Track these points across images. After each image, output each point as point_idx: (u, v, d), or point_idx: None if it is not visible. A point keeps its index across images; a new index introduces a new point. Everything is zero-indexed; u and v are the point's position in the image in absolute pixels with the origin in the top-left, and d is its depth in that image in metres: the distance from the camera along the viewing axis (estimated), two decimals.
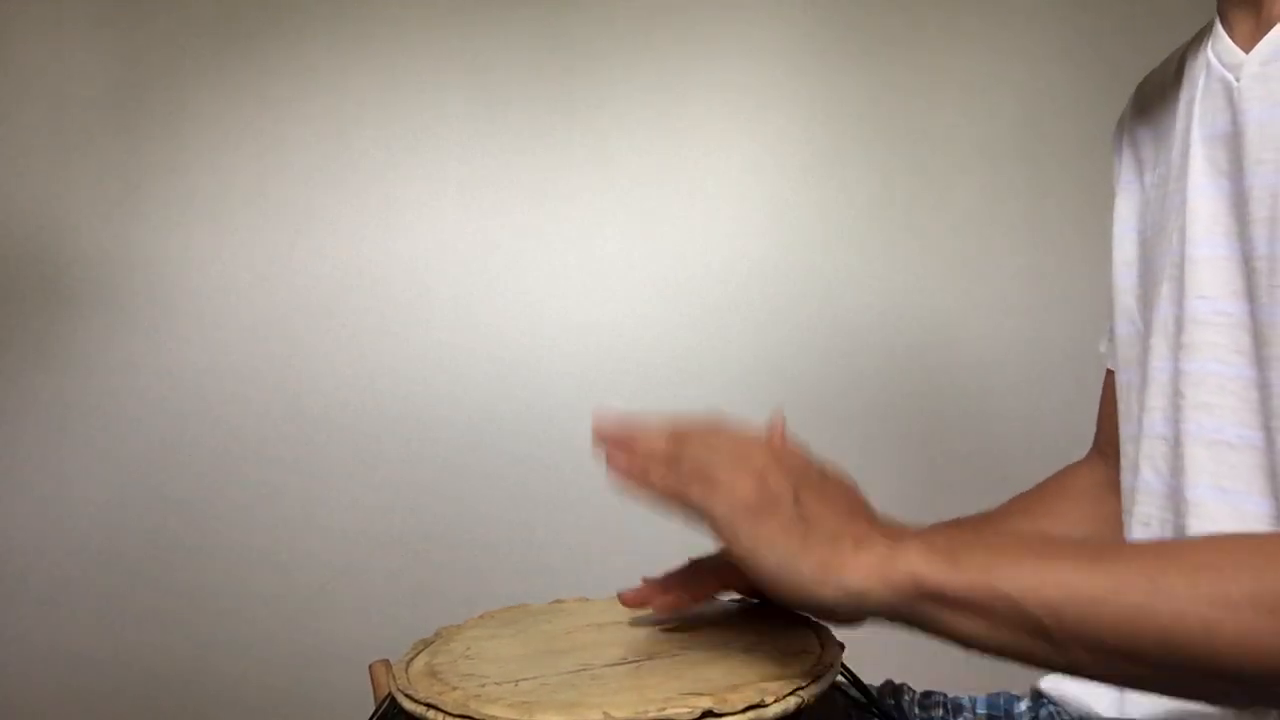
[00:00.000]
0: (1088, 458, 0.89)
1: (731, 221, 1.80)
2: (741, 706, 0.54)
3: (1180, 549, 0.53)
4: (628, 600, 0.67)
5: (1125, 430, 0.75)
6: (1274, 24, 0.62)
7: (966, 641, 0.52)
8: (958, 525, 0.83)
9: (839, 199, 1.80)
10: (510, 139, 1.78)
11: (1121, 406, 0.76)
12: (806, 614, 0.59)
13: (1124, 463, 0.75)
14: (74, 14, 1.75)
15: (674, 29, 1.79)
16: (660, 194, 1.79)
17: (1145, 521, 0.69)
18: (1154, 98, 0.78)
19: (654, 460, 0.57)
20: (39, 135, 1.75)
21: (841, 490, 0.58)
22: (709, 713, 0.53)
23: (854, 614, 0.53)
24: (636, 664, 0.61)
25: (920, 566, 0.51)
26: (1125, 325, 0.76)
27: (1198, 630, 0.46)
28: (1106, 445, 0.84)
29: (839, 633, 0.65)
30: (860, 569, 0.52)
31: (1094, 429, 0.89)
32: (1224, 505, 0.63)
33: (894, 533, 0.54)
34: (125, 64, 1.76)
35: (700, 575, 0.68)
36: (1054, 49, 1.79)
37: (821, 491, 0.56)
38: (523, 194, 1.78)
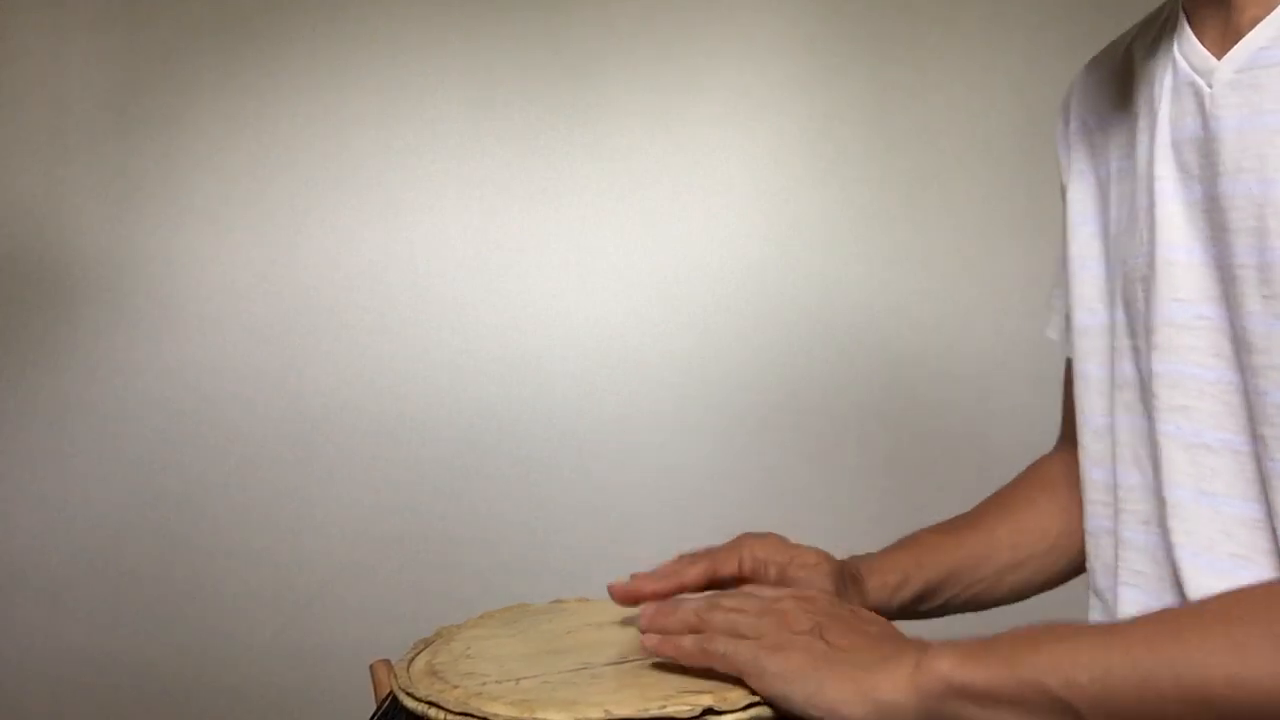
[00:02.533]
0: (1057, 448, 0.89)
1: (731, 221, 1.80)
2: (742, 704, 0.54)
3: (1190, 608, 0.55)
4: (617, 593, 0.69)
5: (1088, 422, 0.75)
6: (1245, 30, 0.61)
7: None
8: (933, 534, 0.83)
9: (838, 199, 1.80)
10: (510, 139, 1.78)
11: (1081, 398, 0.76)
12: None
13: (1085, 455, 0.75)
14: (74, 15, 1.75)
15: (674, 30, 1.79)
16: (660, 194, 1.79)
17: (1145, 520, 0.69)
18: (1103, 87, 0.77)
19: (683, 631, 0.60)
20: (39, 135, 1.75)
21: (870, 621, 0.60)
22: (709, 710, 0.53)
23: None
24: (637, 663, 0.61)
25: (947, 667, 0.52)
26: (1085, 316, 0.76)
27: (1221, 681, 0.47)
28: (1073, 436, 0.84)
29: None
30: (890, 682, 0.53)
31: None
32: (1205, 508, 0.63)
33: (918, 645, 0.55)
34: (125, 65, 1.76)
35: (689, 566, 0.70)
36: (1054, 48, 1.79)
37: (849, 624, 0.58)
38: (523, 194, 1.78)
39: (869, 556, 0.80)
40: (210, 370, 1.75)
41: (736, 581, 0.71)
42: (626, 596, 0.69)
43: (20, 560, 1.74)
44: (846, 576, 0.76)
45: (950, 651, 0.53)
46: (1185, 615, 0.52)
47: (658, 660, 0.60)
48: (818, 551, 0.75)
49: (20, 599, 1.75)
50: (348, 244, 1.77)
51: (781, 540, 0.75)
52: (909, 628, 0.73)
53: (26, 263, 1.74)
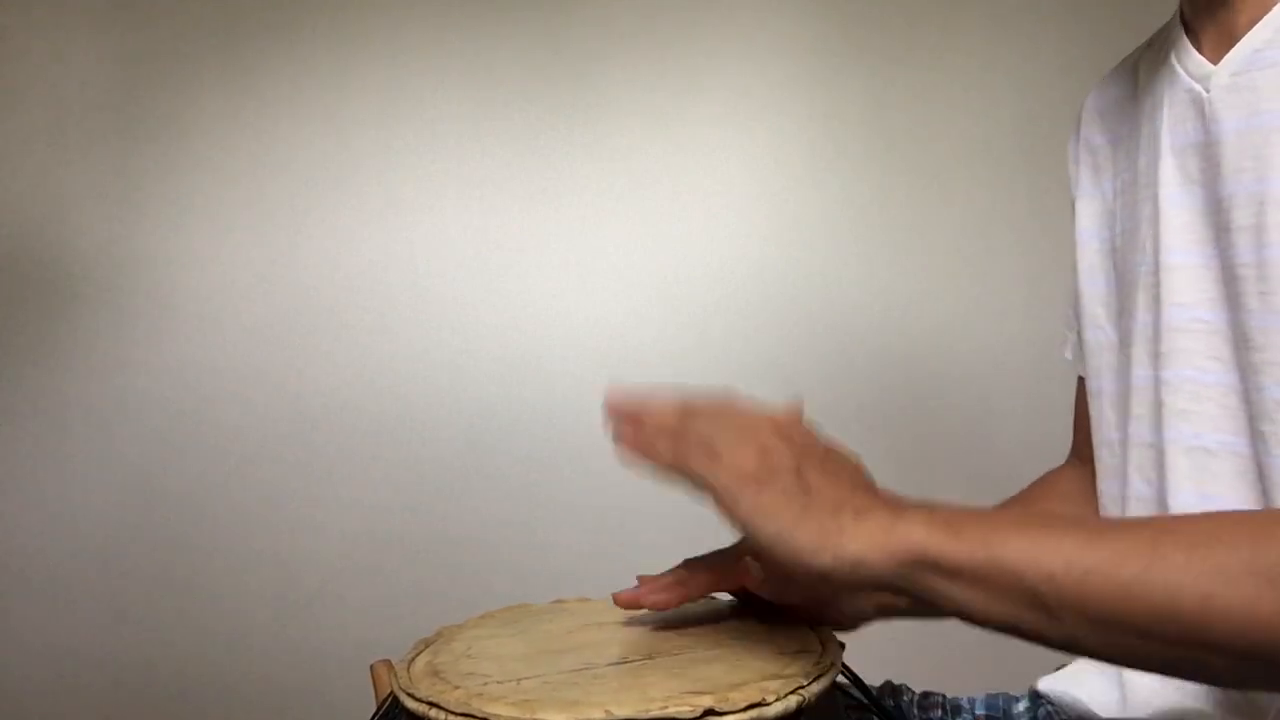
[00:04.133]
0: (1067, 463, 0.89)
1: (731, 221, 1.80)
2: (743, 705, 0.54)
3: (1179, 523, 0.54)
4: (622, 601, 0.68)
5: (1101, 436, 0.75)
6: (1240, 35, 0.62)
7: (963, 613, 0.52)
8: None
9: (839, 199, 1.80)
10: (510, 139, 1.78)
11: (1094, 413, 0.76)
12: (805, 582, 0.60)
13: (1101, 469, 0.76)
14: (74, 15, 1.75)
15: (674, 29, 1.79)
16: (660, 194, 1.79)
17: None
18: (1110, 105, 0.78)
19: (660, 433, 0.58)
20: (39, 135, 1.75)
21: (846, 466, 0.58)
22: (710, 711, 0.53)
23: (851, 583, 0.53)
24: (638, 663, 0.61)
25: (920, 535, 0.51)
26: (1093, 332, 0.77)
27: (1194, 602, 0.47)
28: (1085, 450, 0.85)
29: (839, 633, 0.65)
30: (859, 537, 0.52)
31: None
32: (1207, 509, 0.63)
33: (895, 504, 0.54)
34: (125, 64, 1.76)
35: (694, 574, 0.69)
36: (1054, 49, 1.80)
37: (825, 466, 0.57)
38: (523, 194, 1.78)
39: None
40: (210, 370, 1.75)
41: (741, 590, 0.70)
42: (631, 603, 0.68)
43: (20, 560, 1.74)
44: None
45: (927, 519, 0.52)
46: (1171, 529, 0.51)
47: (659, 660, 0.60)
48: None
49: (20, 599, 1.74)
50: (348, 244, 1.77)
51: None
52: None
53: (26, 263, 1.74)
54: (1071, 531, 0.51)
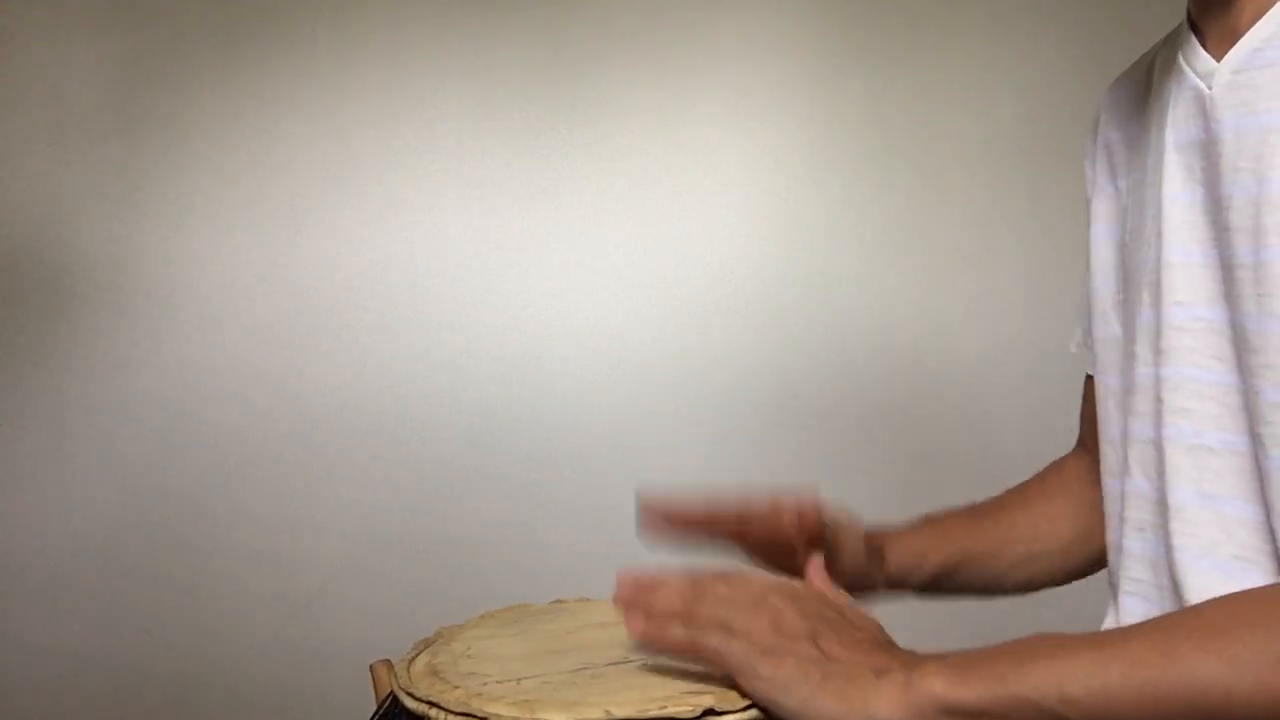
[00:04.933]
0: (1074, 452, 0.90)
1: (731, 221, 1.80)
2: (743, 704, 0.54)
3: (1185, 617, 0.55)
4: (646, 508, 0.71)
5: (1105, 433, 0.76)
6: (1244, 32, 0.62)
7: None
8: (954, 517, 0.85)
9: (839, 199, 1.80)
10: (510, 139, 1.78)
11: (1100, 410, 0.77)
12: None
13: (1104, 465, 0.76)
14: (74, 15, 1.75)
15: (674, 29, 1.79)
16: (660, 194, 1.79)
17: (1139, 527, 0.69)
18: (1124, 102, 0.78)
19: (672, 618, 0.58)
20: (39, 136, 1.75)
21: (860, 627, 0.59)
22: (710, 711, 0.53)
23: None
24: (638, 663, 0.61)
25: (938, 685, 0.52)
26: (1102, 329, 0.77)
27: (1216, 695, 0.48)
28: (1090, 441, 0.85)
29: None
30: (881, 698, 0.53)
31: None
32: (1206, 510, 0.64)
33: (910, 658, 0.55)
34: (125, 65, 1.76)
35: (722, 514, 0.72)
36: (1054, 49, 1.80)
37: (839, 629, 0.57)
38: (523, 194, 1.78)
39: (890, 531, 0.82)
40: (210, 370, 1.75)
41: (767, 539, 0.73)
42: (658, 524, 0.71)
43: (20, 560, 1.74)
44: (868, 546, 0.78)
45: (942, 668, 0.53)
46: (1180, 626, 0.52)
47: (659, 660, 0.60)
48: (852, 521, 0.77)
49: (20, 599, 1.75)
50: (348, 244, 1.77)
51: (816, 504, 0.76)
52: (918, 611, 0.73)
53: (26, 263, 1.74)
54: (1083, 650, 0.51)
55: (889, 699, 0.52)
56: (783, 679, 0.54)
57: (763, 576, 0.61)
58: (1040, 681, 0.50)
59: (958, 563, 0.81)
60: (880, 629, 0.60)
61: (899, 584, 0.80)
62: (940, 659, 0.54)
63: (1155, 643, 0.50)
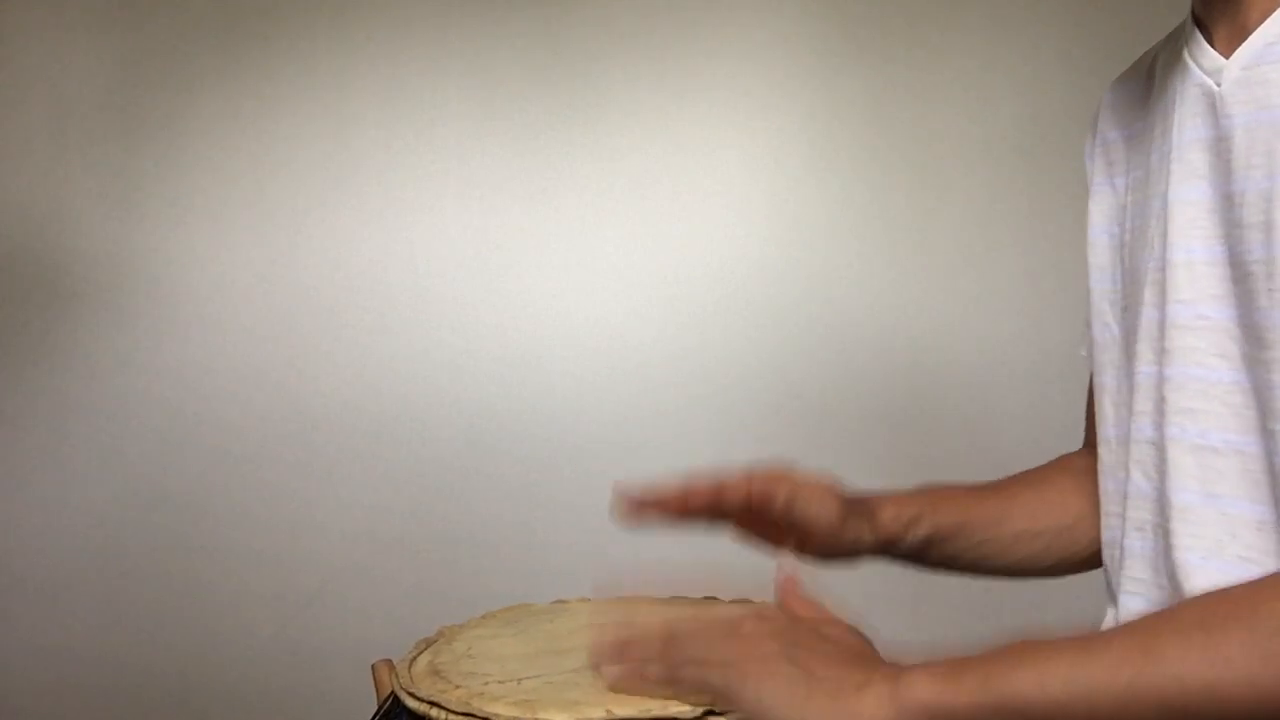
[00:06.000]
0: (1081, 450, 0.90)
1: (731, 221, 1.80)
2: None
3: (1167, 615, 0.54)
4: (624, 506, 0.72)
5: (1102, 432, 0.75)
6: (1253, 29, 0.62)
7: None
8: (956, 486, 0.84)
9: (839, 199, 1.80)
10: (510, 139, 1.78)
11: (1096, 410, 0.77)
12: None
13: (1101, 465, 0.76)
14: (74, 15, 1.75)
15: (674, 29, 1.79)
16: (660, 194, 1.79)
17: (1140, 527, 0.69)
18: (1125, 101, 0.78)
19: (648, 664, 0.59)
20: (39, 136, 1.75)
21: (840, 640, 0.59)
22: (711, 711, 0.53)
23: None
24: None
25: (924, 692, 0.52)
26: (1099, 329, 0.77)
27: (1199, 691, 0.48)
28: (1095, 440, 0.85)
29: None
30: (867, 709, 0.53)
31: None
32: (1210, 510, 0.63)
33: (893, 671, 0.55)
34: (125, 65, 1.76)
35: (696, 488, 0.73)
36: (1054, 49, 1.80)
37: (816, 644, 0.57)
38: (523, 194, 1.78)
39: (882, 492, 0.81)
40: (210, 370, 1.75)
41: (744, 509, 0.74)
42: (633, 509, 0.71)
43: (20, 560, 1.74)
44: (855, 508, 0.77)
45: (926, 675, 0.53)
46: (1164, 623, 0.52)
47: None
48: (824, 482, 0.77)
49: (20, 599, 1.74)
50: (348, 244, 1.77)
51: (788, 470, 0.76)
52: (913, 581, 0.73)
53: (26, 263, 1.74)
54: (1066, 652, 0.51)
55: (877, 708, 0.53)
56: (768, 699, 0.54)
57: (731, 607, 0.62)
58: (1025, 683, 0.51)
59: (954, 528, 0.81)
60: (861, 640, 0.60)
61: (889, 545, 0.79)
62: (924, 667, 0.54)
63: (1139, 641, 0.50)
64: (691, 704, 0.56)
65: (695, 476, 0.73)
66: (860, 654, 0.58)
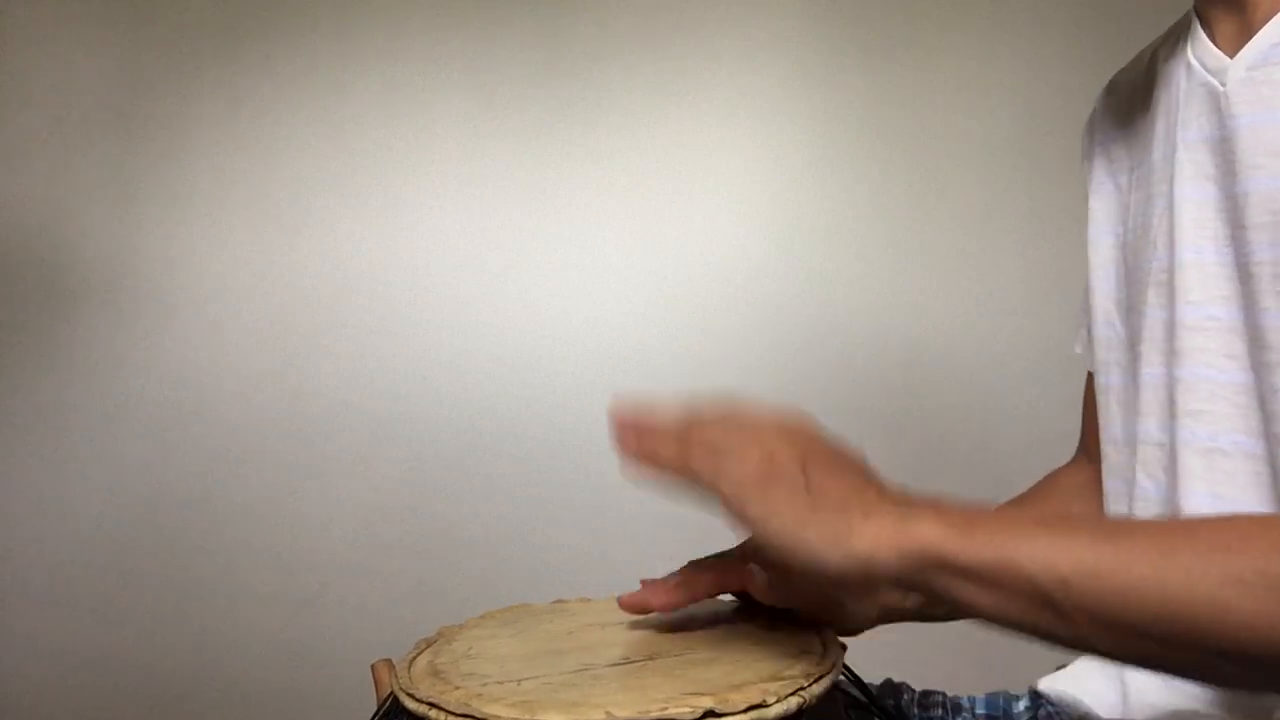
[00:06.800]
0: (1074, 459, 0.89)
1: (731, 221, 1.80)
2: (743, 706, 0.54)
3: (1192, 527, 0.54)
4: (627, 604, 0.67)
5: (1107, 434, 0.75)
6: (1258, 28, 0.61)
7: (974, 611, 0.52)
8: None
9: (839, 199, 1.80)
10: (510, 139, 1.78)
11: (1101, 410, 0.76)
12: (815, 583, 0.60)
13: (1106, 466, 0.75)
14: (74, 15, 1.75)
15: (673, 30, 1.79)
16: (660, 194, 1.79)
17: None
18: (1125, 98, 0.78)
19: (665, 440, 0.58)
20: (39, 135, 1.75)
21: (851, 464, 0.58)
22: (711, 713, 0.53)
23: (862, 581, 0.54)
24: (638, 664, 0.61)
25: (931, 535, 0.51)
26: (1103, 328, 0.76)
27: (1206, 607, 0.47)
28: (1093, 447, 0.85)
29: (843, 636, 0.65)
30: (868, 536, 0.52)
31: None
32: (1220, 512, 0.63)
33: (904, 501, 0.54)
34: (125, 64, 1.76)
35: (698, 576, 0.68)
36: (1054, 49, 1.80)
37: (830, 466, 0.56)
38: (523, 194, 1.78)
39: None
40: (210, 370, 1.75)
41: (743, 591, 0.69)
42: (637, 607, 0.67)
43: (20, 560, 1.74)
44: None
45: (936, 518, 0.52)
46: (1181, 532, 0.51)
47: (660, 661, 0.60)
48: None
49: (20, 599, 1.74)
50: (348, 244, 1.77)
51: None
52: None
53: (26, 263, 1.74)
54: (1084, 533, 0.50)
55: (874, 537, 0.52)
56: (770, 509, 0.53)
57: (758, 412, 0.60)
58: (1035, 552, 0.49)
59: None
60: (869, 468, 0.59)
61: (896, 613, 0.76)
62: (935, 508, 0.53)
63: (1157, 544, 0.49)
64: (693, 493, 0.55)
65: (695, 565, 0.68)
66: (870, 481, 0.57)
